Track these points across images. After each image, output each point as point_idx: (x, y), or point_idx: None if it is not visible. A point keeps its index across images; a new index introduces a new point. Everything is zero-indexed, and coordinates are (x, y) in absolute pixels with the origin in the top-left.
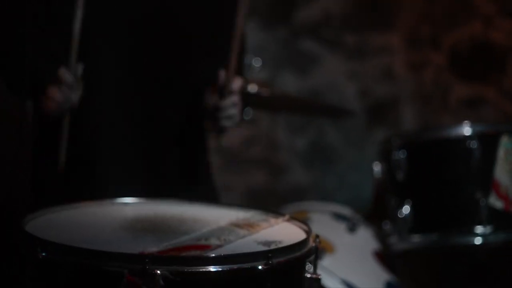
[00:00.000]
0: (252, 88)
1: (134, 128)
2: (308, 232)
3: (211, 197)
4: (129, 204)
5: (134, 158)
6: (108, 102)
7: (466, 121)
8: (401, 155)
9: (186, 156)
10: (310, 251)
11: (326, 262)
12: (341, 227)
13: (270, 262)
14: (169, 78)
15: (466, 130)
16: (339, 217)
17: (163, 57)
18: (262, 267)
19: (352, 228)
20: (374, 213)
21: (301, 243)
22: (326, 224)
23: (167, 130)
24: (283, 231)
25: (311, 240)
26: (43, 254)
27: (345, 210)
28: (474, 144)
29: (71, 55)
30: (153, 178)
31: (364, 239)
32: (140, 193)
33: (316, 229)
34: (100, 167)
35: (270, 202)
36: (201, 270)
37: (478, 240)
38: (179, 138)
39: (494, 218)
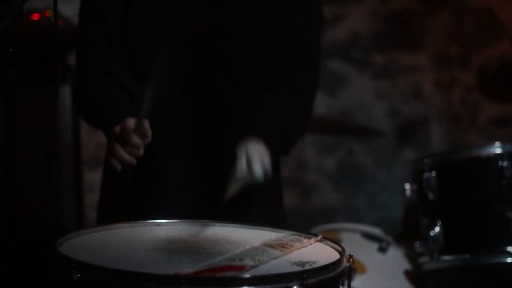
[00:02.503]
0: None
1: (192, 153)
2: (341, 252)
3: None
4: (162, 224)
5: (192, 181)
6: (167, 129)
7: (497, 141)
8: (432, 175)
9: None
10: (344, 271)
11: (357, 282)
12: (372, 247)
13: (305, 282)
14: (227, 102)
15: (497, 149)
16: (369, 237)
17: (223, 83)
18: None
19: (383, 248)
20: (404, 233)
21: (335, 263)
22: (356, 245)
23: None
24: (317, 252)
25: (344, 260)
26: (78, 275)
27: (376, 231)
28: (505, 163)
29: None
30: (209, 202)
31: (395, 259)
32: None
33: (347, 249)
34: (159, 193)
35: (299, 223)
36: None
37: (509, 260)
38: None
39: None
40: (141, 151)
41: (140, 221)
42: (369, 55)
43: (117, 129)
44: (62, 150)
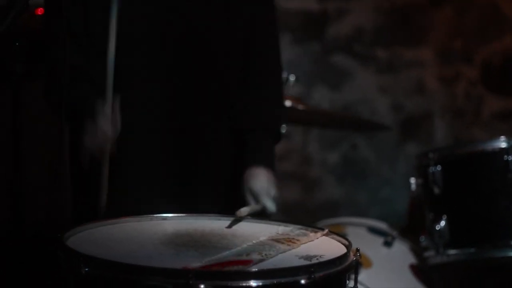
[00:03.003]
0: (286, 103)
1: (168, 145)
2: (348, 246)
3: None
4: (168, 218)
5: (168, 175)
6: (142, 121)
7: (502, 136)
8: (437, 169)
9: (220, 173)
10: (351, 265)
11: (363, 276)
12: (378, 241)
13: (312, 276)
14: (203, 97)
15: (502, 143)
16: (375, 231)
17: (197, 77)
18: (304, 282)
19: (388, 243)
20: (409, 227)
21: (342, 257)
22: (362, 239)
23: (201, 147)
24: (323, 246)
25: (351, 254)
26: (86, 269)
27: (381, 225)
28: (510, 158)
29: (107, 86)
30: (187, 196)
31: (401, 253)
32: (176, 209)
33: (352, 243)
34: (135, 186)
35: (303, 217)
36: (244, 284)
37: None
38: (214, 157)
39: None
40: (110, 140)
41: (146, 215)
42: (373, 49)
43: (87, 127)
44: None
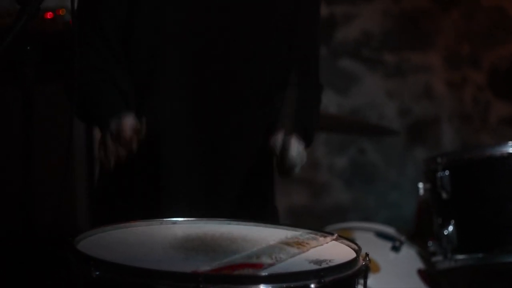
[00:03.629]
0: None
1: (198, 151)
2: (357, 251)
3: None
4: (178, 223)
5: (198, 181)
6: (169, 130)
7: (510, 141)
8: (445, 174)
9: (250, 181)
10: (360, 270)
11: (371, 281)
12: (385, 246)
13: (322, 280)
14: (235, 103)
15: (510, 148)
16: (383, 236)
17: (230, 82)
18: (314, 286)
19: (396, 247)
20: (417, 232)
21: (352, 262)
22: (370, 243)
23: (232, 154)
24: (333, 250)
25: (361, 259)
26: (97, 273)
27: (389, 230)
28: None
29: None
30: (215, 200)
31: (409, 258)
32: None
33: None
34: (159, 193)
35: (311, 222)
36: None
37: None
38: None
39: None
40: (134, 147)
41: (156, 219)
42: (380, 54)
43: (112, 125)
44: (76, 148)
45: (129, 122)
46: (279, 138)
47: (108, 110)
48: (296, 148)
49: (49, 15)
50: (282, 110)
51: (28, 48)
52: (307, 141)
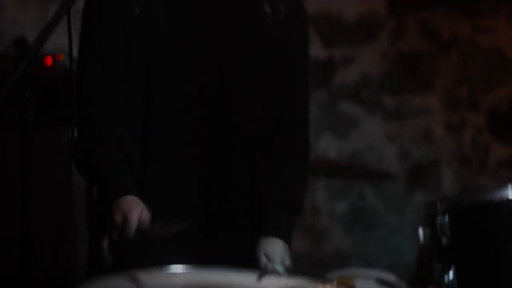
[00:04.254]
0: None
1: (193, 200)
2: None
3: None
4: (177, 272)
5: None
6: (168, 177)
7: (509, 183)
8: (445, 219)
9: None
10: None
11: None
12: None
13: None
14: (234, 137)
15: (510, 192)
16: (383, 283)
17: (222, 134)
18: None
19: None
20: (418, 278)
21: None
22: None
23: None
24: None
25: None
26: None
27: (389, 276)
28: None
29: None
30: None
31: None
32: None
33: None
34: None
35: (311, 268)
36: None
37: None
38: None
39: None
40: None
41: (156, 268)
42: (380, 97)
43: (118, 216)
44: (75, 193)
45: (135, 214)
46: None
47: (114, 190)
48: (279, 259)
49: (48, 60)
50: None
51: (27, 94)
52: (298, 212)
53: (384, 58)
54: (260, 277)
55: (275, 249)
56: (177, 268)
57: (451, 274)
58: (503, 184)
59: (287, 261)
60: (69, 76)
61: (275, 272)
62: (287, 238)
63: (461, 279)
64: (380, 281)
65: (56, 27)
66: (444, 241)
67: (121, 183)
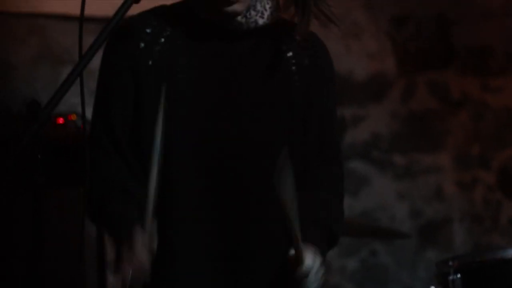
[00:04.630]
0: None
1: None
2: None
3: None
4: None
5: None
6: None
7: None
8: (457, 277)
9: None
10: None
11: None
12: None
13: None
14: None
15: None
16: None
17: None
18: None
19: None
20: None
21: None
22: None
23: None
24: None
25: None
26: None
27: None
28: None
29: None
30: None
31: None
32: None
33: None
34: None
35: None
36: None
37: None
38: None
39: None
40: (147, 267)
41: None
42: (390, 155)
43: (125, 246)
44: (87, 248)
45: (141, 240)
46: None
47: (122, 222)
48: (311, 262)
49: (60, 120)
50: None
51: (39, 155)
52: (331, 242)
53: (394, 117)
54: None
55: (310, 259)
56: None
57: None
58: None
59: (320, 274)
60: (80, 136)
61: None
62: (323, 253)
63: None
64: None
65: (69, 90)
66: None
67: (131, 222)
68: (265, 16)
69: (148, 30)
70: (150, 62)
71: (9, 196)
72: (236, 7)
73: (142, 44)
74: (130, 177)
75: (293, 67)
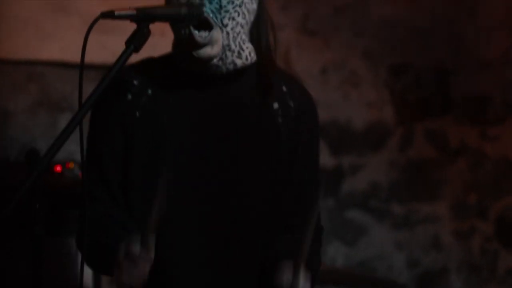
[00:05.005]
0: None
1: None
2: None
3: None
4: None
5: None
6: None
7: None
8: None
9: None
10: None
11: None
12: None
13: None
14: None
15: None
16: None
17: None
18: None
19: None
20: None
21: None
22: None
23: None
24: None
25: None
26: None
27: None
28: None
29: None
30: None
31: None
32: None
33: None
34: None
35: None
36: None
37: None
38: None
39: None
40: (146, 271)
41: None
42: (388, 205)
43: (120, 254)
44: None
45: (136, 245)
46: (286, 274)
47: (115, 239)
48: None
49: (58, 167)
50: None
51: (37, 206)
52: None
53: (392, 165)
54: None
55: (298, 274)
56: None
57: None
58: None
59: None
60: (79, 184)
61: None
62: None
63: None
64: None
65: (68, 139)
66: None
67: (120, 234)
68: (243, 56)
69: (135, 82)
70: (138, 114)
71: (7, 245)
72: (209, 50)
73: (130, 96)
74: (125, 221)
75: (279, 119)
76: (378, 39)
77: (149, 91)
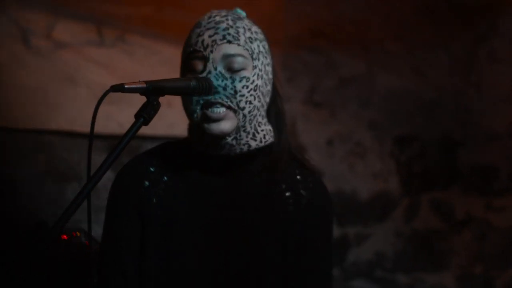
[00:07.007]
0: None
1: None
2: None
3: None
4: None
5: None
6: None
7: None
8: None
9: None
10: None
11: None
12: None
13: None
14: None
15: None
16: None
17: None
18: None
19: None
20: None
21: None
22: None
23: None
24: None
25: None
26: None
27: None
28: None
29: None
30: None
31: None
32: None
33: None
34: None
35: None
36: None
37: None
38: None
39: None
40: None
41: None
42: (394, 275)
43: None
44: None
45: None
46: None
47: None
48: None
49: (64, 236)
50: None
51: (45, 275)
52: None
53: (398, 236)
54: None
55: None
56: None
57: None
58: None
59: None
60: (85, 253)
61: None
62: None
63: None
64: None
65: (75, 212)
66: None
67: None
68: (258, 138)
69: (152, 169)
70: (155, 200)
71: None
72: (222, 125)
73: (147, 183)
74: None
75: (290, 207)
76: (384, 111)
77: (165, 178)
